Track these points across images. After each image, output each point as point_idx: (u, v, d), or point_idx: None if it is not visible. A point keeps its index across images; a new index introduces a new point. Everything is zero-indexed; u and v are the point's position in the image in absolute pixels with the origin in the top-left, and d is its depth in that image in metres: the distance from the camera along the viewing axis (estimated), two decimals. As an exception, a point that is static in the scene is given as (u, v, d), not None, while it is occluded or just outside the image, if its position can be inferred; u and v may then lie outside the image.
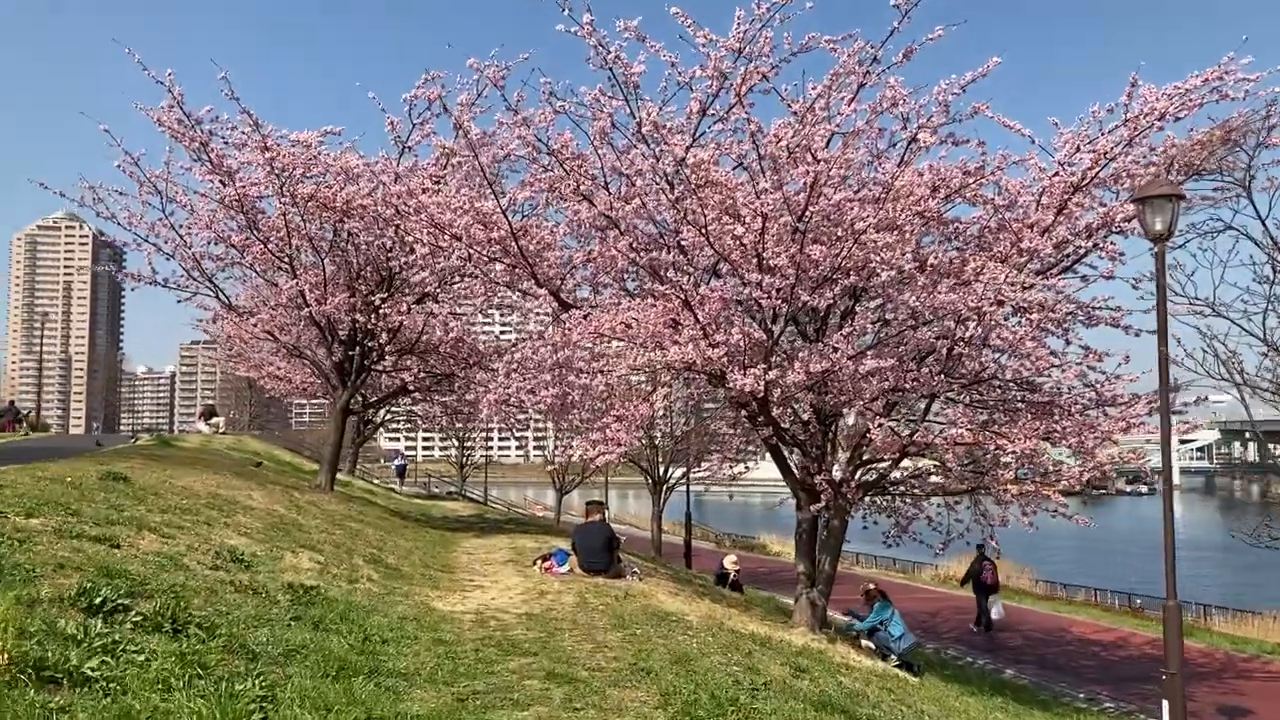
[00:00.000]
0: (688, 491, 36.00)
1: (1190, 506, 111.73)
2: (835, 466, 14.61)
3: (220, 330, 28.03)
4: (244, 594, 8.92)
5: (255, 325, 20.47)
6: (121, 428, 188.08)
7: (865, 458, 14.32)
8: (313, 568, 12.15)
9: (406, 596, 12.14)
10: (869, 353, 12.22)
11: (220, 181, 19.48)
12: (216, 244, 20.72)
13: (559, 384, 14.77)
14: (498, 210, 14.30)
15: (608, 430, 13.45)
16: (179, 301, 21.10)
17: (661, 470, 34.29)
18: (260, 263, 20.54)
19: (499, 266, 14.54)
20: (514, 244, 14.35)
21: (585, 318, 13.77)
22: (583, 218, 15.00)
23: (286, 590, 10.13)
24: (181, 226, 20.43)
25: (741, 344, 12.20)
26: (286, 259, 19.95)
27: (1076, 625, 27.86)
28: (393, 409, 38.74)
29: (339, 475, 35.91)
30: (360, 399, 24.02)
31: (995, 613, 25.48)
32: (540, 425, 45.76)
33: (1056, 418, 13.58)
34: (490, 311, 22.73)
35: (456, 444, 57.48)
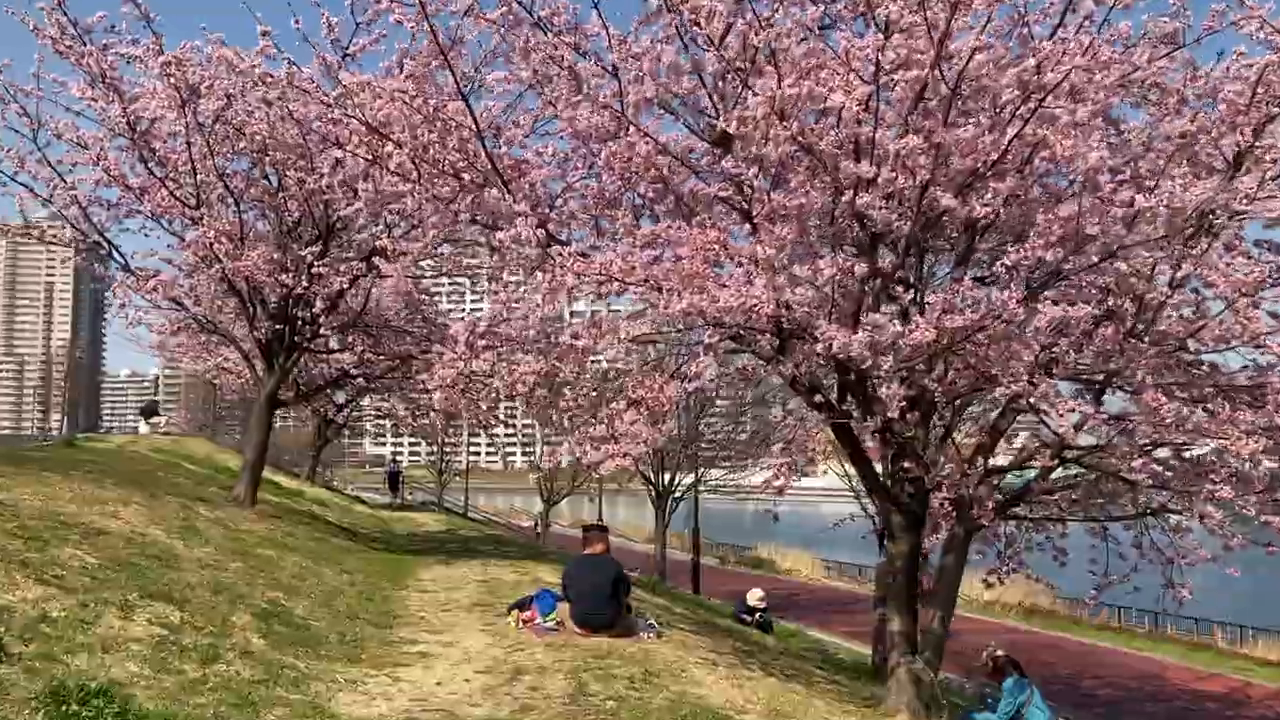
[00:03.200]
0: (695, 503, 31.25)
1: None
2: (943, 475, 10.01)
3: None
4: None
5: (154, 290, 15.80)
6: (103, 427, 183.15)
7: (997, 462, 9.73)
8: (146, 638, 7.59)
9: (296, 686, 7.57)
10: (1046, 295, 7.65)
11: (102, 102, 14.84)
12: (109, 187, 16.04)
13: (544, 355, 10.21)
14: (456, 95, 9.70)
15: (618, 423, 8.84)
16: (63, 262, 16.36)
17: (667, 478, 29.23)
18: (164, 210, 15.84)
19: (450, 187, 9.96)
20: (480, 146, 9.75)
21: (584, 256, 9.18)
22: (579, 127, 10.41)
23: (50, 701, 5.69)
24: (60, 162, 15.76)
25: (840, 281, 7.64)
26: (192, 201, 15.28)
27: (1167, 670, 23.30)
28: (356, 407, 33.99)
29: (293, 483, 31.36)
30: (296, 387, 19.36)
31: None
32: (526, 425, 41.06)
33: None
34: (458, 279, 18.07)
35: (435, 448, 52.66)
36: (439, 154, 10.35)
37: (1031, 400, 8.43)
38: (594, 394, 10.76)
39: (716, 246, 8.59)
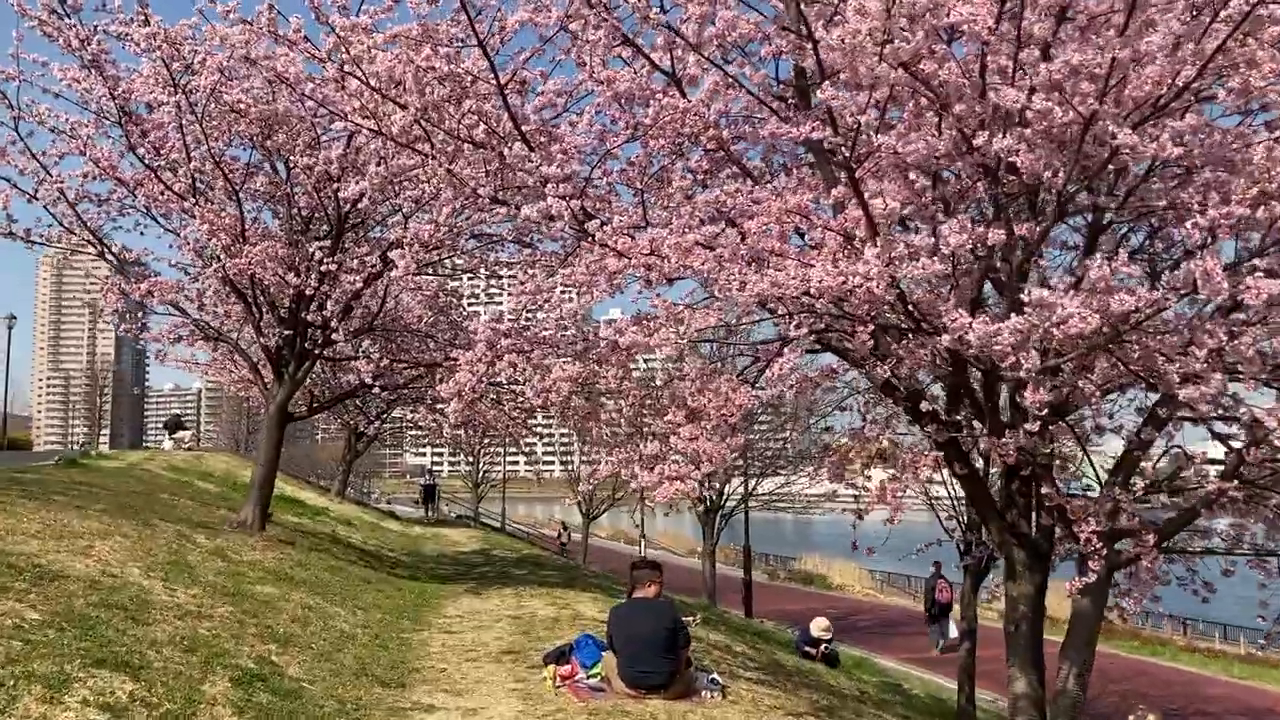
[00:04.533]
0: (746, 517, 29.10)
1: None
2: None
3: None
4: None
5: (149, 294, 14.18)
6: (148, 443, 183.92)
7: (1150, 481, 7.77)
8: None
9: (266, 790, 5.83)
10: (1261, 261, 5.72)
11: (89, 84, 13.26)
12: (99, 180, 14.46)
13: (581, 358, 8.44)
14: (472, 41, 7.92)
15: (675, 440, 7.03)
16: (58, 262, 14.76)
17: (717, 491, 27.11)
18: (159, 204, 14.23)
19: (467, 159, 8.21)
20: (502, 103, 7.98)
21: (631, 236, 7.37)
22: (619, 90, 8.61)
23: None
24: (46, 154, 14.20)
25: (969, 252, 5.78)
26: (189, 191, 13.64)
27: (1211, 685, 21.14)
28: (388, 418, 32.34)
29: (321, 500, 29.65)
30: (311, 399, 17.69)
31: (952, 631, 24.61)
32: (564, 434, 39.26)
33: None
34: (490, 281, 16.32)
35: (470, 458, 50.88)
36: (452, 117, 8.58)
37: (1206, 405, 6.48)
38: (644, 404, 8.92)
39: (797, 216, 6.76)
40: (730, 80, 7.42)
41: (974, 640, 15.13)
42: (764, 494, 30.01)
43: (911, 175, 6.66)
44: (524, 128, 8.31)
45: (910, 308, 6.21)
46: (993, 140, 5.60)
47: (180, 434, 32.31)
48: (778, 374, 6.42)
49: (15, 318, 44.01)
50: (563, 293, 8.85)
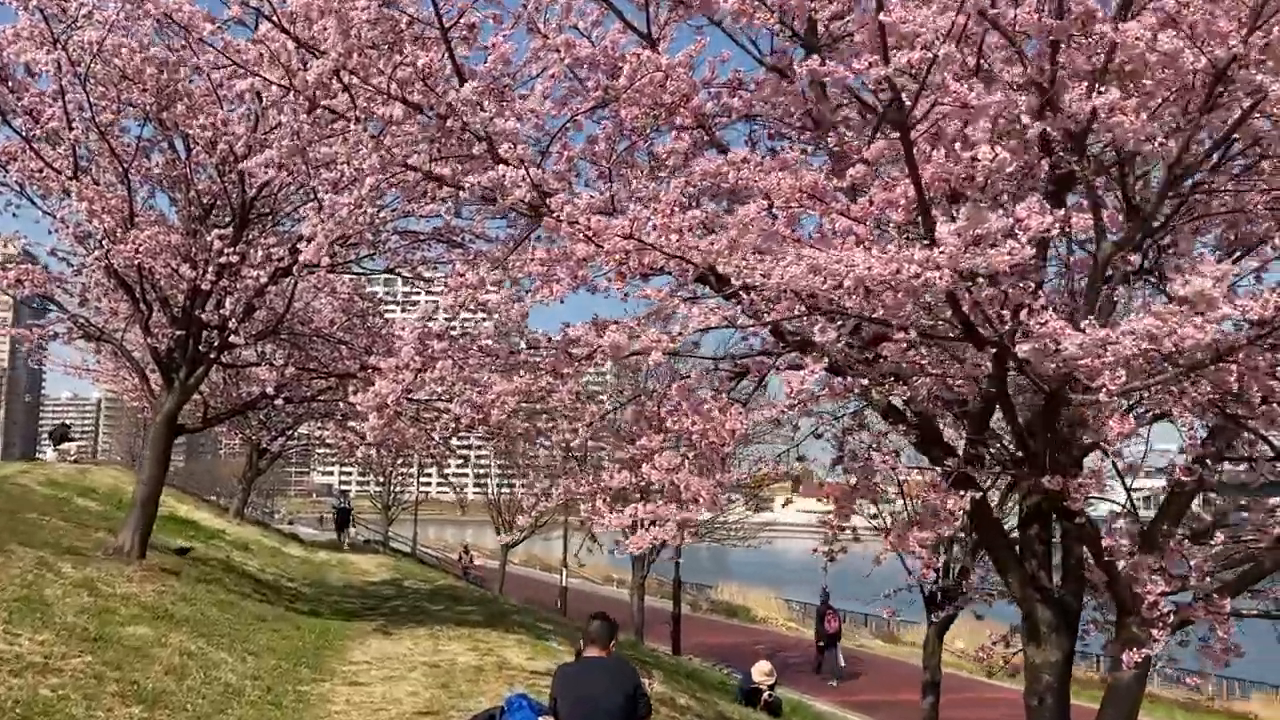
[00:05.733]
0: (678, 549, 27.50)
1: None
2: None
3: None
4: None
5: (17, 283, 12.29)
6: (41, 454, 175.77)
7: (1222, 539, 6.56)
8: None
9: None
10: None
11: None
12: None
13: (529, 369, 7.04)
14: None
15: (652, 472, 5.63)
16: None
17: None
18: (35, 182, 12.37)
19: (397, 112, 6.78)
20: (448, 55, 6.54)
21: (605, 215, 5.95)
22: (580, 56, 7.23)
23: None
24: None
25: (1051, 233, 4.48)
26: (71, 167, 11.84)
27: None
28: (293, 435, 30.17)
29: (217, 521, 27.30)
30: (205, 410, 15.80)
31: (840, 659, 26.18)
32: (481, 454, 37.36)
33: None
34: (415, 285, 14.71)
35: (381, 479, 48.45)
36: (382, 73, 7.06)
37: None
38: (601, 427, 7.48)
39: (812, 198, 5.41)
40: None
41: (937, 693, 13.92)
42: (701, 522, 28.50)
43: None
44: (465, 75, 6.85)
45: (966, 310, 4.87)
46: (1094, 94, 4.31)
47: (65, 445, 29.75)
48: (796, 390, 5.02)
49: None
50: (510, 289, 7.38)
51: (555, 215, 5.79)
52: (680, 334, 5.27)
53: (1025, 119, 4.65)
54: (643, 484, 6.09)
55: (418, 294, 15.80)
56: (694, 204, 6.32)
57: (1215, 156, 4.89)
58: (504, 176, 6.14)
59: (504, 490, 37.68)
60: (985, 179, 4.36)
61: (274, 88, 8.23)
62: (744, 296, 5.33)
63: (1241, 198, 6.06)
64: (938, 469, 6.73)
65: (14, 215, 13.55)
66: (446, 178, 7.43)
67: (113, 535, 14.33)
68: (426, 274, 14.24)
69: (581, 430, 7.37)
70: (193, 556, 16.48)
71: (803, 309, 5.07)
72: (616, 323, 6.20)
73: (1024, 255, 4.12)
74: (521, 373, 7.09)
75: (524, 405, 8.12)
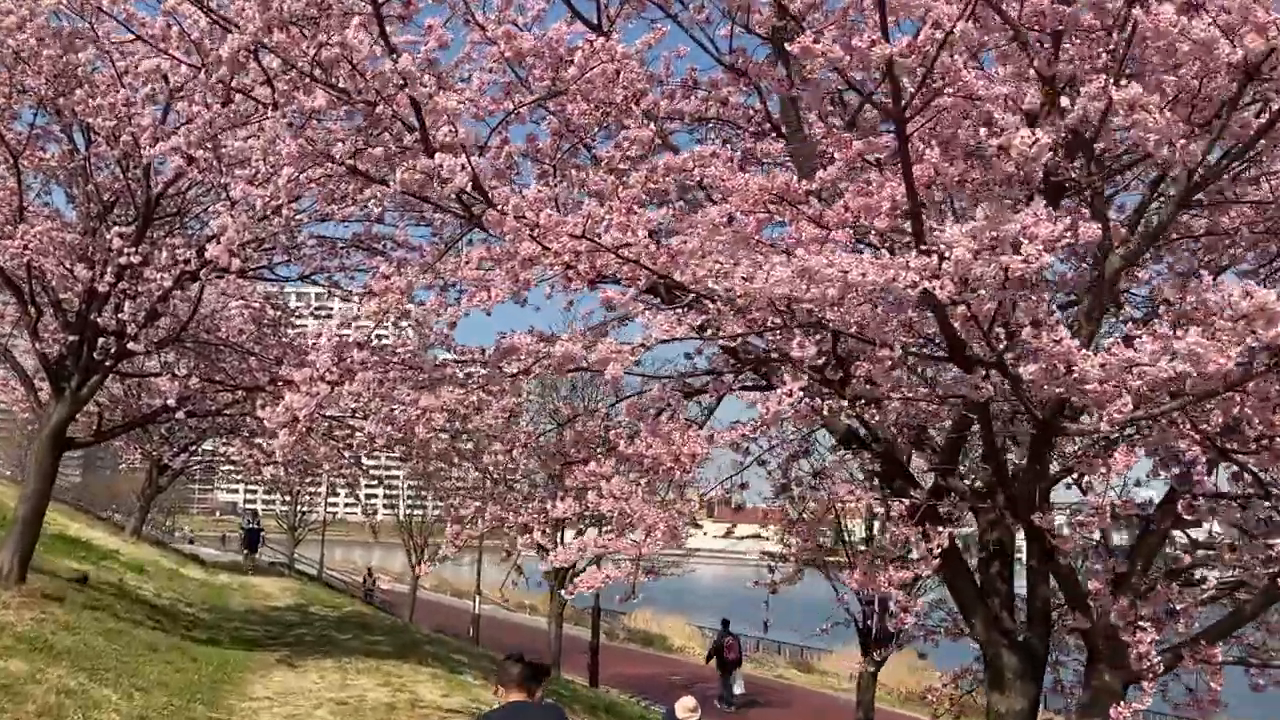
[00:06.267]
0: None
1: None
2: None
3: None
4: None
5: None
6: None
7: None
8: None
9: None
10: None
11: None
12: None
13: (443, 382, 6.42)
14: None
15: (604, 500, 5.04)
16: None
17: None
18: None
19: (320, 101, 6.12)
20: (380, 33, 5.88)
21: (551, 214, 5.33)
22: (522, 49, 6.66)
23: None
24: None
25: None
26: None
27: None
28: (196, 451, 28.77)
29: (111, 541, 25.68)
30: (99, 423, 14.70)
31: (738, 688, 25.85)
32: (391, 472, 36.03)
33: None
34: (332, 292, 13.90)
35: (287, 498, 46.69)
36: (305, 55, 6.37)
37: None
38: (532, 448, 6.85)
39: (782, 203, 4.90)
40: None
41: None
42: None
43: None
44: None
45: (957, 326, 4.38)
46: (1112, 87, 3.85)
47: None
48: (774, 412, 4.47)
49: None
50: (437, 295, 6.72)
51: (499, 208, 5.16)
52: (642, 345, 4.68)
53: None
54: (587, 512, 5.48)
55: (330, 304, 14.96)
56: (654, 202, 5.78)
57: (1231, 164, 4.50)
58: (440, 166, 5.49)
59: (417, 512, 36.56)
60: (1016, 168, 3.87)
61: (183, 67, 7.52)
62: (709, 306, 4.77)
63: (1219, 215, 5.76)
64: (901, 500, 6.26)
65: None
66: (371, 172, 6.76)
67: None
68: (344, 283, 13.46)
69: (516, 452, 6.73)
70: (49, 584, 15.29)
71: (777, 321, 4.53)
72: (545, 338, 5.60)
73: (1044, 263, 3.64)
74: (449, 388, 6.45)
75: (448, 424, 7.49)
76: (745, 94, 7.00)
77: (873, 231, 4.79)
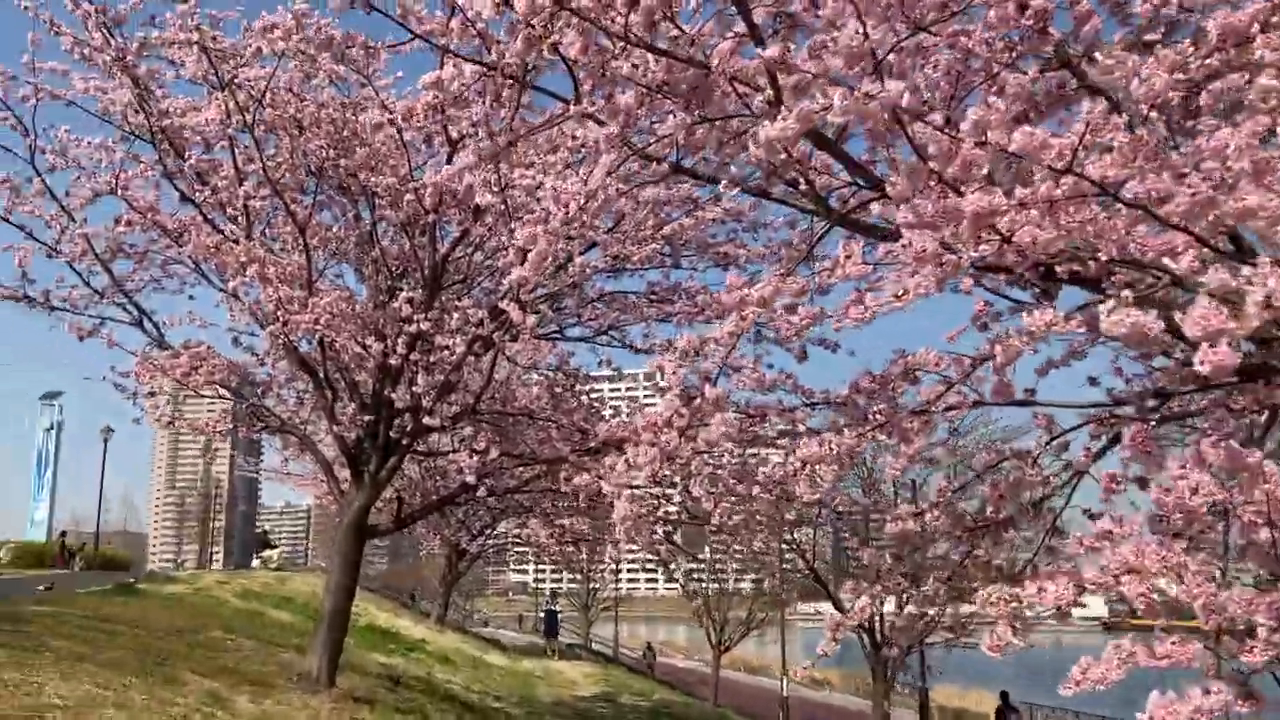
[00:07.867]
0: (921, 653, 23.59)
1: None
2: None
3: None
4: None
5: (183, 371, 10.85)
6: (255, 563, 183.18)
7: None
8: None
9: None
10: None
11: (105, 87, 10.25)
12: (139, 230, 11.39)
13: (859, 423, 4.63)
14: None
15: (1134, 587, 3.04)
16: (81, 338, 11.58)
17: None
18: (204, 253, 10.95)
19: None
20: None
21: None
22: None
23: None
24: (69, 195, 11.21)
25: None
26: (243, 225, 10.40)
27: None
28: (492, 533, 28.48)
29: (418, 630, 25.51)
30: (399, 509, 13.98)
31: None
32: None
33: None
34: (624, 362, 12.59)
35: (580, 578, 46.19)
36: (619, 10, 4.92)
37: None
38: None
39: None
40: None
41: None
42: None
43: None
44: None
45: None
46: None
47: (267, 553, 29.25)
48: None
49: (112, 429, 41.70)
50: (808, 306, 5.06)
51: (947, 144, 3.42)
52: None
53: None
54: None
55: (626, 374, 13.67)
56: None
57: None
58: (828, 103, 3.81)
59: (711, 585, 34.44)
60: None
61: (467, 68, 6.31)
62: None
63: None
64: None
65: (191, 299, 12.31)
66: (699, 175, 5.23)
67: (301, 654, 12.56)
68: (638, 344, 12.14)
69: (929, 518, 4.90)
70: (390, 676, 14.61)
71: None
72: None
73: None
74: (844, 430, 4.73)
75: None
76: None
77: None
